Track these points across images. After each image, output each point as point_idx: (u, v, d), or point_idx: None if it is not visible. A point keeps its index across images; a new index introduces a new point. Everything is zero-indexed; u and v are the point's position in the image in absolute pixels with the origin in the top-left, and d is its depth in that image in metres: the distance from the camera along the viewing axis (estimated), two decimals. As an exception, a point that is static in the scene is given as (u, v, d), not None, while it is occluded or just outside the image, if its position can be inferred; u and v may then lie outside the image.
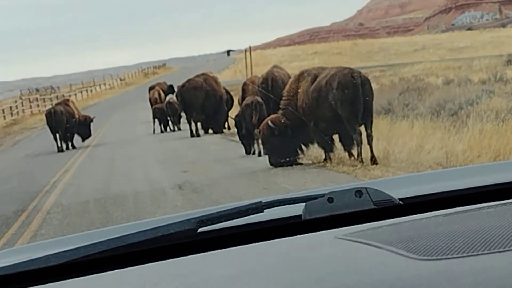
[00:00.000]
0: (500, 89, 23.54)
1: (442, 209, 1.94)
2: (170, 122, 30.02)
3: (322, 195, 2.00)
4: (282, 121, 15.85)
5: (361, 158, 14.84)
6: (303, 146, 16.08)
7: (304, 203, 2.00)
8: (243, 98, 20.13)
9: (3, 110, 46.23)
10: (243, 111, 18.61)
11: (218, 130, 26.42)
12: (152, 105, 32.19)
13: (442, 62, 49.35)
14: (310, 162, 15.93)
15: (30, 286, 1.73)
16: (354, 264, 1.49)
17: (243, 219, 1.96)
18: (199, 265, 1.73)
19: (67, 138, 26.50)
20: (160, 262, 1.78)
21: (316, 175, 14.27)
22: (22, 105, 49.36)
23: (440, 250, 1.44)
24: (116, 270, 1.76)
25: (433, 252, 1.44)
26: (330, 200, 1.98)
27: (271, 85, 19.02)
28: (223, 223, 1.94)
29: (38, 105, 50.22)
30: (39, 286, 1.72)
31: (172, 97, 30.65)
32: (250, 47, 41.94)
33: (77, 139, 26.82)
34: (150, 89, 34.44)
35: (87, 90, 65.63)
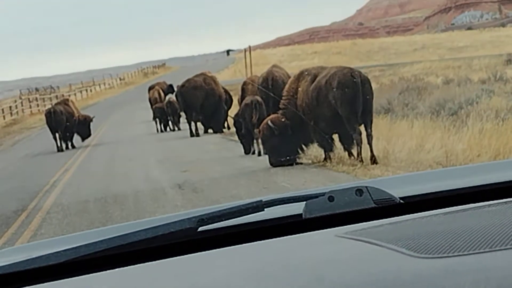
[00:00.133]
0: (500, 89, 23.55)
1: (443, 208, 1.94)
2: (170, 122, 30.02)
3: (323, 194, 2.00)
4: (282, 121, 15.85)
5: (361, 158, 14.84)
6: (303, 146, 16.08)
7: (304, 202, 1.99)
8: (242, 97, 20.12)
9: (2, 110, 46.20)
10: (243, 111, 18.61)
11: (218, 129, 26.43)
12: (152, 105, 32.18)
13: (441, 61, 49.33)
14: (310, 161, 15.94)
15: (31, 285, 1.73)
16: (355, 262, 1.49)
17: (243, 218, 1.96)
18: (199, 263, 1.73)
19: (66, 137, 26.50)
20: (160, 260, 1.77)
21: (316, 175, 14.27)
22: (22, 105, 49.33)
23: (441, 248, 1.44)
24: (116, 269, 1.76)
25: (434, 250, 1.44)
26: (331, 199, 1.98)
27: (270, 85, 19.02)
28: (223, 222, 1.93)
29: (37, 105, 50.19)
30: (40, 285, 1.72)
31: (172, 97, 30.63)
32: (249, 47, 42.01)
33: (76, 138, 26.82)
34: (150, 88, 34.43)
35: (86, 90, 65.60)
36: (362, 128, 14.98)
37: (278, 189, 12.55)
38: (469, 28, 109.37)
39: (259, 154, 17.54)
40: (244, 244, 1.83)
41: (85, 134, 27.12)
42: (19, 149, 29.00)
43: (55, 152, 25.52)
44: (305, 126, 15.66)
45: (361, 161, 14.76)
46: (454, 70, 39.15)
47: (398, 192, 2.06)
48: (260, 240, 1.85)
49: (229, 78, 50.81)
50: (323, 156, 15.74)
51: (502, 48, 55.04)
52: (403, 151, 14.93)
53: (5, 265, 1.81)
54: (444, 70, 40.60)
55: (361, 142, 14.92)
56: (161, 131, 29.79)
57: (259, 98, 18.70)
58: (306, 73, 16.02)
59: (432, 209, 1.93)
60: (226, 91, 27.39)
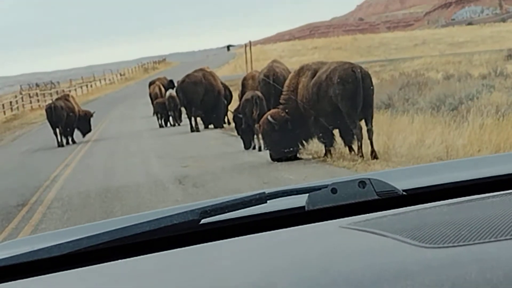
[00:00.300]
0: (500, 84, 23.53)
1: (446, 199, 1.94)
2: (170, 117, 30.03)
3: (326, 186, 1.99)
4: (282, 116, 15.85)
5: (362, 153, 14.84)
6: (303, 141, 16.08)
7: (307, 194, 1.99)
8: (242, 93, 20.11)
9: (3, 105, 46.21)
10: (243, 106, 18.60)
11: (218, 125, 26.45)
12: (152, 100, 32.17)
13: (442, 57, 49.32)
14: (311, 156, 15.94)
15: (34, 276, 1.73)
16: (360, 253, 1.48)
17: (246, 210, 1.95)
18: (202, 255, 1.72)
19: (67, 133, 26.53)
20: (163, 252, 1.77)
21: (316, 170, 14.27)
22: (22, 100, 49.33)
23: (447, 238, 1.44)
24: (119, 261, 1.75)
25: (439, 240, 1.43)
26: (334, 191, 1.97)
27: (271, 80, 19.01)
28: (226, 214, 1.93)
29: (38, 100, 50.21)
30: (42, 276, 1.72)
31: (172, 92, 30.63)
32: (250, 42, 41.97)
33: (77, 134, 26.84)
34: (151, 84, 34.43)
35: (87, 85, 65.59)
36: (362, 123, 14.97)
37: (279, 184, 12.55)
38: (470, 23, 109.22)
39: (260, 149, 17.54)
40: (247, 236, 1.82)
41: (86, 129, 27.15)
42: (20, 144, 29.00)
43: (55, 147, 25.54)
44: (305, 121, 15.66)
45: (362, 156, 14.76)
46: (454, 66, 39.10)
47: (401, 184, 2.06)
48: (263, 232, 1.84)
49: (229, 73, 50.82)
50: (324, 151, 15.74)
51: (503, 43, 55.01)
52: (404, 146, 14.93)
53: (8, 257, 1.81)
54: (445, 65, 40.54)
55: (362, 137, 14.92)
56: (162, 126, 29.79)
57: (259, 94, 18.68)
58: (307, 68, 16.02)
59: (435, 201, 1.93)
60: (225, 87, 27.39)
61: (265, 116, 16.18)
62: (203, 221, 1.91)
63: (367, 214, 1.84)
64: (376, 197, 1.96)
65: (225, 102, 26.65)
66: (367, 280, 1.28)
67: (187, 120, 26.88)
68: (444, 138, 14.78)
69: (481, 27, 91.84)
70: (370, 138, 14.78)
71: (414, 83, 26.01)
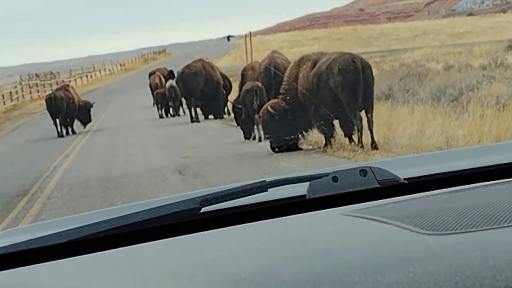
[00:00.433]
0: (500, 75, 23.50)
1: (448, 187, 1.93)
2: (171, 108, 30.00)
3: (327, 175, 1.99)
4: (282, 106, 15.84)
5: (362, 143, 14.85)
6: (303, 131, 16.08)
7: (308, 183, 1.98)
8: (242, 83, 20.10)
9: (3, 95, 46.14)
10: (243, 97, 18.59)
11: (218, 115, 26.44)
12: (152, 91, 32.13)
13: (442, 47, 49.21)
14: (311, 147, 15.94)
15: (34, 264, 1.72)
16: (362, 240, 1.48)
17: (247, 199, 1.95)
18: (202, 243, 1.72)
19: (67, 123, 26.54)
20: (163, 240, 1.77)
21: (317, 160, 14.28)
22: (22, 91, 49.25)
23: (449, 225, 1.43)
24: (119, 248, 1.75)
25: (442, 227, 1.43)
26: (335, 179, 1.97)
27: (271, 71, 18.99)
28: (227, 202, 1.92)
29: (38, 91, 50.10)
30: (43, 264, 1.71)
31: (173, 82, 30.58)
32: (250, 33, 41.90)
33: (77, 124, 26.83)
34: (151, 74, 34.38)
35: (87, 76, 65.47)
36: (363, 114, 14.97)
37: (279, 174, 12.55)
38: (470, 14, 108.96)
39: (260, 140, 17.53)
40: (247, 224, 1.82)
41: (86, 119, 27.14)
42: (20, 134, 29.00)
43: (55, 138, 25.54)
44: (305, 111, 15.65)
45: (362, 146, 14.76)
46: (454, 56, 39.06)
47: (402, 173, 2.05)
48: (264, 220, 1.84)
49: (229, 64, 50.71)
50: (324, 141, 15.74)
51: (503, 34, 54.89)
52: (404, 137, 14.93)
53: (8, 245, 1.81)
54: (445, 56, 40.49)
55: (362, 128, 14.92)
56: (162, 116, 29.77)
57: (259, 84, 18.67)
58: (307, 59, 16.01)
59: (436, 189, 1.93)
60: (225, 77, 27.37)
61: (265, 106, 16.17)
62: (203, 209, 1.91)
63: (369, 202, 1.83)
64: (377, 185, 1.96)
65: (225, 92, 26.64)
66: (369, 267, 1.27)
67: (187, 110, 26.85)
68: (444, 128, 14.78)
69: (482, 18, 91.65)
70: (370, 129, 14.78)
71: (415, 73, 25.96)
